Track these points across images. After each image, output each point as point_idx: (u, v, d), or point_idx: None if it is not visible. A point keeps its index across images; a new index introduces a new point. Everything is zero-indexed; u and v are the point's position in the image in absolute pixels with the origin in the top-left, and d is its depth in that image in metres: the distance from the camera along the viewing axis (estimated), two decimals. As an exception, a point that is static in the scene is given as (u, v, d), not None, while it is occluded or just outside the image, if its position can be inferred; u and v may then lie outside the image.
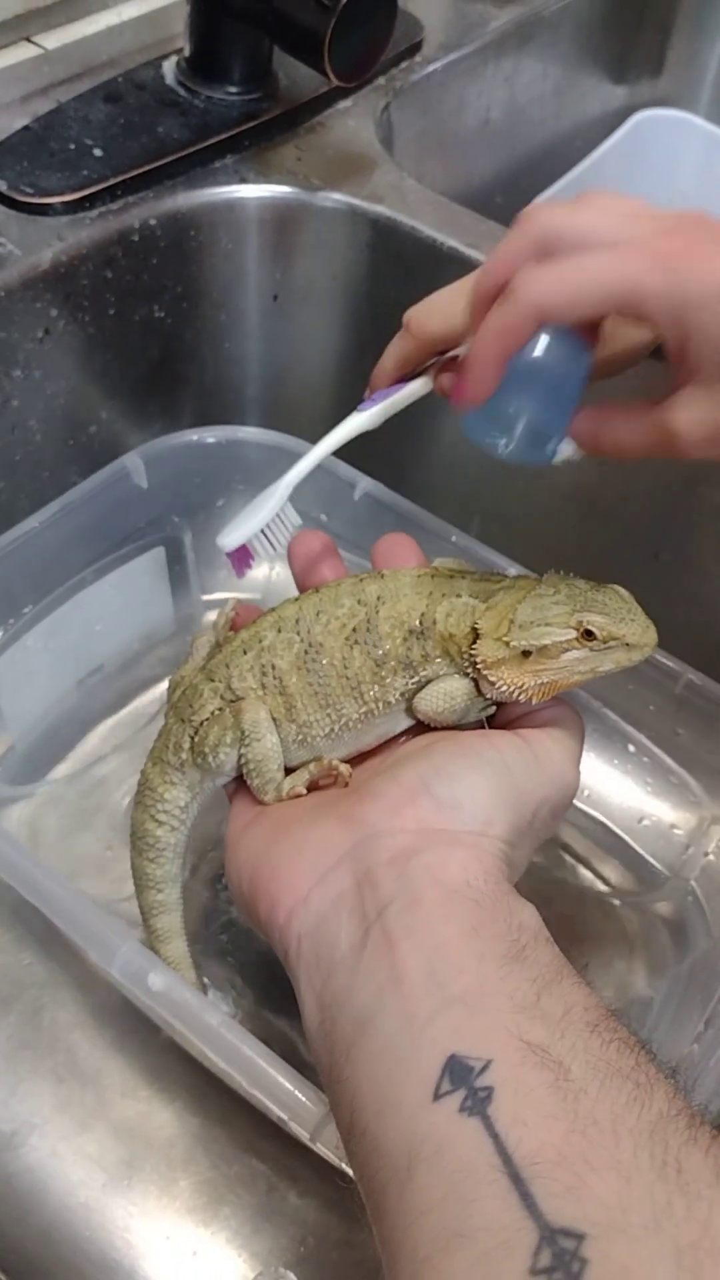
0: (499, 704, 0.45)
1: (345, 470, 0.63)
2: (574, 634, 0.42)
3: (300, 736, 0.46)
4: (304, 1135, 0.41)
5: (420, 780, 0.40)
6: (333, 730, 0.46)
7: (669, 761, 0.63)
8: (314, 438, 0.64)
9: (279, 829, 0.43)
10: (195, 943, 0.53)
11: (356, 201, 0.71)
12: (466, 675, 0.44)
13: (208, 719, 0.47)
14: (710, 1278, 0.26)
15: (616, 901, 0.64)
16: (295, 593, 0.50)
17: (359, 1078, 0.33)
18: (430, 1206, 0.30)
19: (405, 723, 0.46)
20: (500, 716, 0.46)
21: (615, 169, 0.98)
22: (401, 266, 0.71)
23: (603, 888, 0.64)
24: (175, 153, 0.69)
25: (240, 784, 0.47)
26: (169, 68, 0.73)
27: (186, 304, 0.72)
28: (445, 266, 0.68)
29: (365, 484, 0.63)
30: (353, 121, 0.76)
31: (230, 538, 0.49)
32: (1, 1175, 0.51)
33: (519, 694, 0.43)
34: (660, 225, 0.41)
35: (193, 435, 0.67)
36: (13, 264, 0.63)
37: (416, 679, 0.45)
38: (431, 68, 0.82)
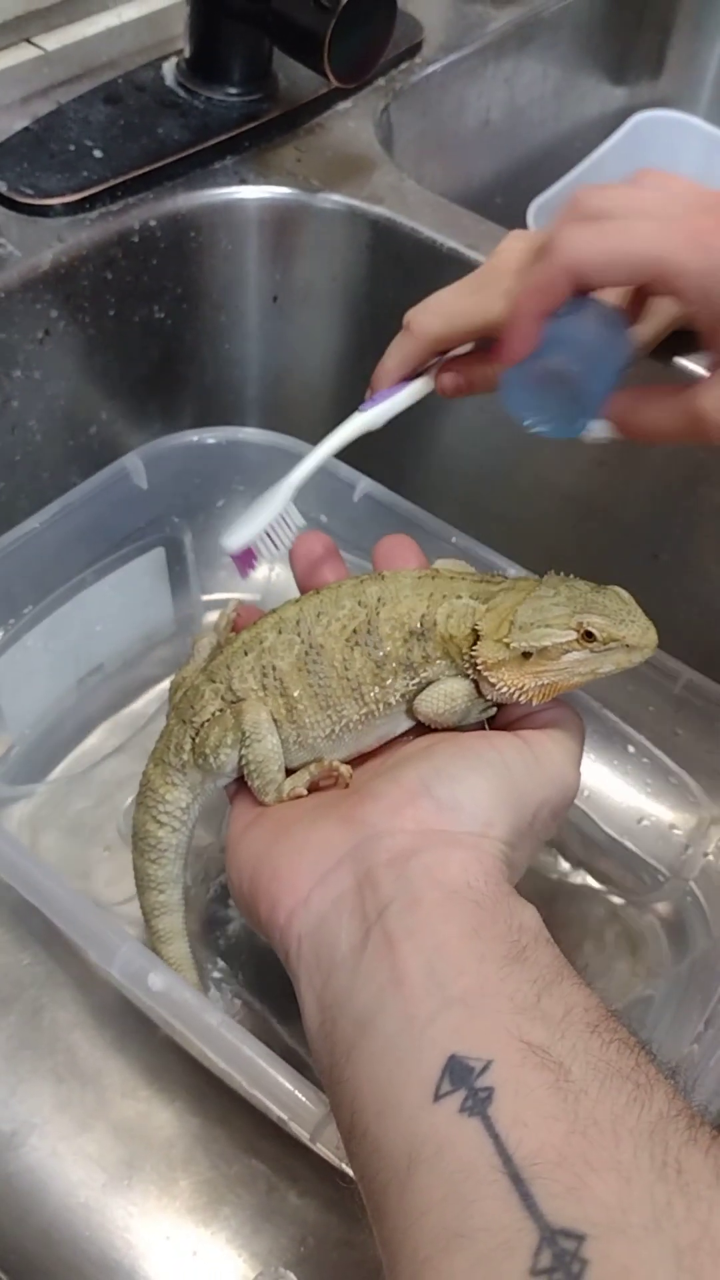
0: (499, 705, 0.45)
1: (345, 471, 0.63)
2: (574, 635, 0.42)
3: (301, 738, 0.46)
4: (304, 1135, 0.41)
5: (421, 781, 0.40)
6: (333, 731, 0.46)
7: (668, 762, 0.63)
8: (314, 438, 0.64)
9: (279, 830, 0.43)
10: (196, 943, 0.53)
11: (356, 202, 0.71)
12: (467, 677, 0.44)
13: (209, 720, 0.47)
14: (711, 1278, 0.27)
15: (616, 902, 0.64)
16: (296, 594, 0.50)
17: (359, 1078, 0.34)
18: (430, 1207, 0.30)
19: (406, 724, 0.46)
20: (501, 718, 0.46)
21: (615, 170, 0.98)
22: (401, 267, 0.71)
23: (602, 888, 0.64)
24: (175, 154, 0.69)
25: (241, 785, 0.47)
26: (169, 69, 0.74)
27: (186, 305, 0.72)
28: (445, 267, 0.68)
29: (365, 485, 0.63)
30: (352, 122, 0.76)
31: (234, 539, 0.49)
32: (1, 1175, 0.51)
33: (519, 695, 0.43)
34: (704, 203, 0.41)
35: (193, 436, 0.67)
36: (13, 265, 0.63)
37: (417, 680, 0.45)
38: (431, 69, 0.82)
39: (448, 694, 0.44)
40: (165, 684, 0.71)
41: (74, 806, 0.65)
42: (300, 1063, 0.43)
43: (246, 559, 0.49)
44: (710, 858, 0.62)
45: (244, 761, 0.46)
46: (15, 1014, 0.56)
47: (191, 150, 0.69)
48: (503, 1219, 0.28)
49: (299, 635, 0.46)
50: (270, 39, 0.71)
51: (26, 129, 0.68)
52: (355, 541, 0.59)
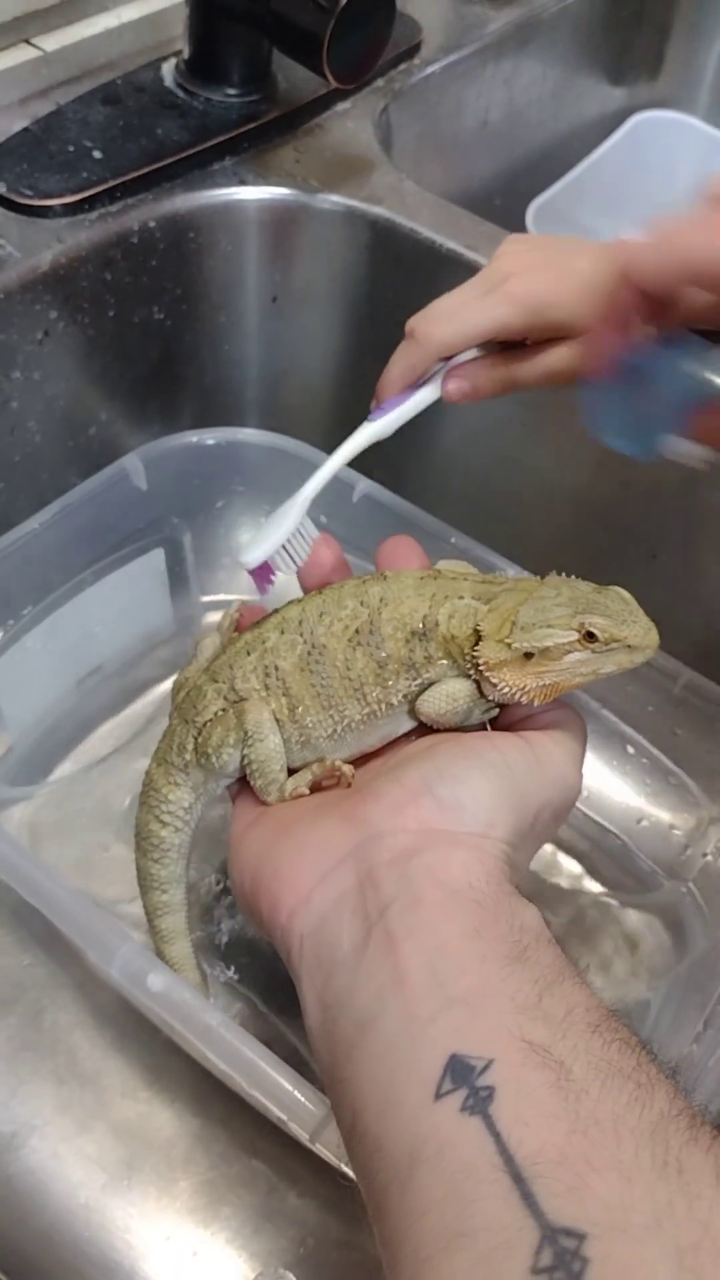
0: (501, 706, 0.45)
1: (345, 471, 0.63)
2: (576, 636, 0.42)
3: (303, 737, 0.46)
4: (304, 1136, 0.41)
5: (422, 781, 0.40)
6: (335, 731, 0.46)
7: (667, 762, 0.63)
8: (313, 439, 0.64)
9: (281, 829, 0.43)
10: (198, 943, 0.53)
11: (355, 203, 0.71)
12: (469, 677, 0.44)
13: (211, 720, 0.47)
14: (711, 1278, 0.27)
15: (615, 902, 0.64)
16: (298, 594, 0.50)
17: (360, 1078, 0.34)
18: (431, 1206, 0.30)
19: (408, 724, 0.46)
20: (503, 719, 0.46)
21: (614, 170, 0.98)
22: (400, 268, 0.71)
23: (602, 888, 0.64)
24: (174, 155, 0.69)
25: (243, 784, 0.47)
26: (168, 70, 0.74)
27: (186, 306, 0.72)
28: (444, 268, 0.68)
29: (364, 485, 0.63)
30: (351, 123, 0.76)
31: (253, 555, 0.49)
32: (2, 1177, 0.51)
33: (521, 696, 0.43)
34: None
35: (192, 437, 0.67)
36: (12, 266, 0.63)
37: (419, 681, 0.45)
38: (430, 70, 0.82)
39: (450, 694, 0.44)
40: (165, 685, 0.71)
41: (74, 808, 0.65)
42: (301, 1063, 0.43)
43: (264, 573, 0.49)
44: (709, 858, 0.62)
45: (246, 761, 0.46)
46: (16, 1015, 0.56)
47: (191, 151, 0.70)
48: (504, 1218, 0.28)
49: (301, 635, 0.46)
50: (269, 40, 0.71)
51: (26, 130, 0.69)
52: (354, 541, 0.59)
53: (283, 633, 0.46)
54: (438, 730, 0.45)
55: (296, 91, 0.75)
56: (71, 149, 0.68)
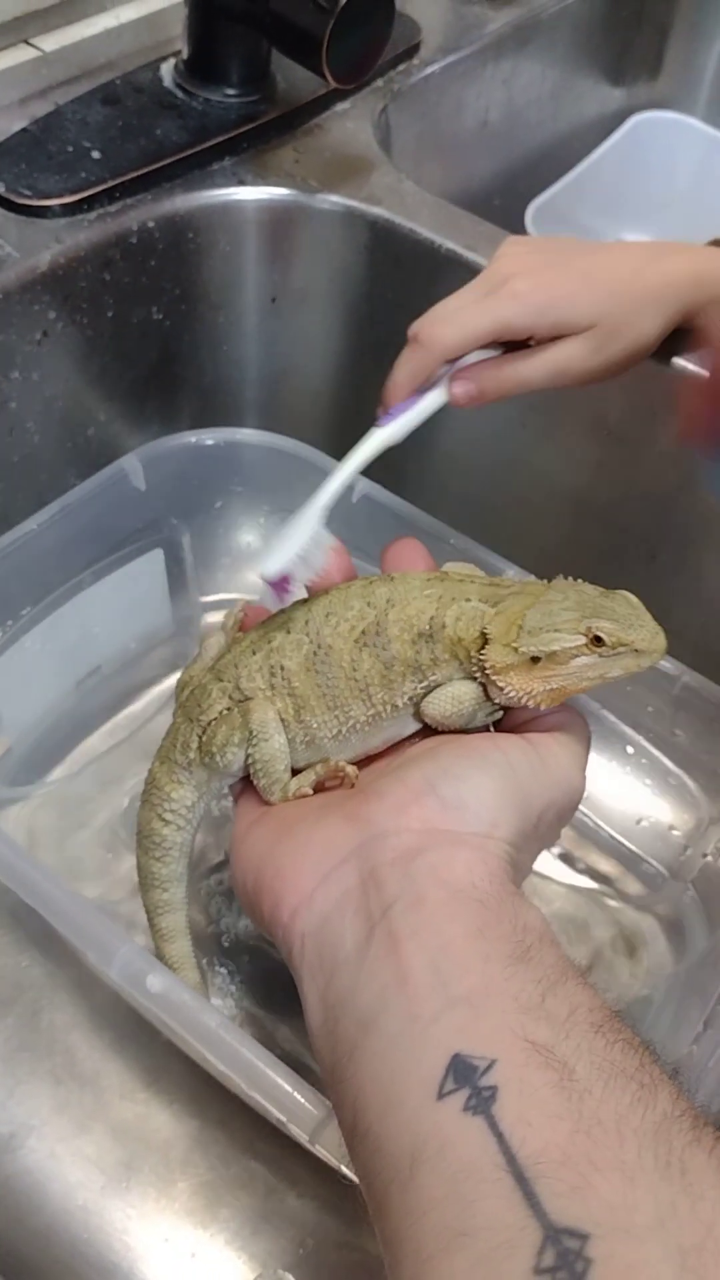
0: (506, 709, 0.45)
1: (344, 472, 0.63)
2: (583, 640, 0.41)
3: (308, 738, 0.46)
4: (303, 1137, 0.41)
5: (426, 781, 0.40)
6: (340, 732, 0.46)
7: (667, 763, 0.63)
8: (312, 439, 0.64)
9: (284, 828, 0.43)
10: (198, 942, 0.53)
11: (354, 203, 0.71)
12: (475, 680, 0.44)
13: (215, 719, 0.47)
14: (714, 1279, 0.26)
15: (615, 903, 0.64)
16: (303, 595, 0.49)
17: (362, 1077, 0.33)
18: (433, 1205, 0.30)
19: (413, 726, 0.46)
20: (507, 721, 0.46)
21: (613, 171, 0.99)
22: (400, 268, 0.71)
23: (602, 889, 0.64)
24: (173, 155, 0.69)
25: (247, 784, 0.47)
26: (167, 70, 0.74)
27: (185, 306, 0.72)
28: (443, 268, 0.68)
29: (364, 486, 0.63)
30: (351, 123, 0.76)
31: (270, 566, 0.48)
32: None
33: (527, 699, 0.43)
34: None
35: (191, 437, 0.67)
36: (11, 266, 0.63)
37: (425, 682, 0.45)
38: (429, 70, 0.82)
39: (455, 697, 0.44)
40: (164, 685, 0.71)
41: (72, 808, 0.65)
42: (300, 1064, 0.43)
43: (282, 584, 0.49)
44: (709, 858, 0.62)
45: (250, 760, 0.45)
46: (14, 1016, 0.56)
47: (190, 151, 0.70)
48: (506, 1218, 0.28)
49: (307, 635, 0.46)
50: (268, 40, 0.71)
51: (25, 130, 0.68)
52: (354, 542, 0.59)
53: (289, 632, 0.46)
54: (441, 732, 0.45)
55: (296, 92, 0.75)
56: (70, 149, 0.68)
